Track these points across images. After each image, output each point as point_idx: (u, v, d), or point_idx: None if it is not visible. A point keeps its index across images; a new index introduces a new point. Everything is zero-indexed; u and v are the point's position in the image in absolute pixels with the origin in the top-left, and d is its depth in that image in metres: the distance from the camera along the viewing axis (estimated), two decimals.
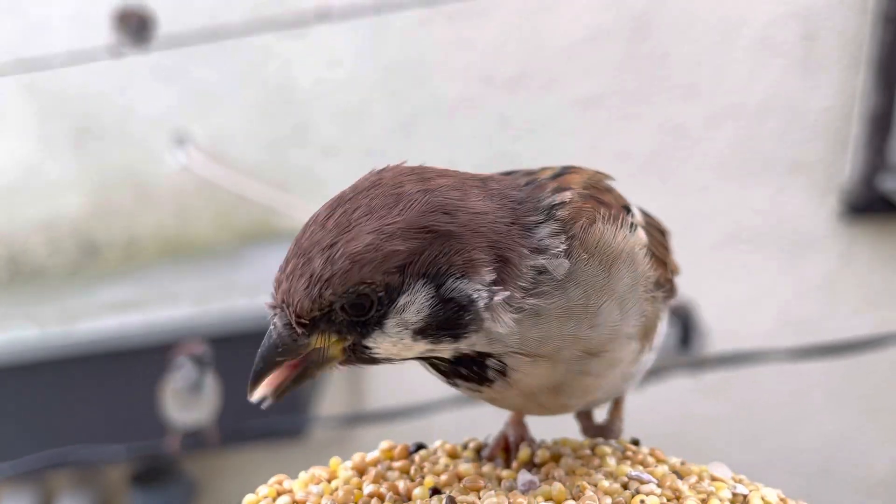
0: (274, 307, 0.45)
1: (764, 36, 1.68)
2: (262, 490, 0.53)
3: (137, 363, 1.52)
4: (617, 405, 0.62)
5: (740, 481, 0.52)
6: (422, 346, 0.45)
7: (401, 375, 1.45)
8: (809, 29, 1.67)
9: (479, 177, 0.49)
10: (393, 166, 0.49)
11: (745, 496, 0.51)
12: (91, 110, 1.76)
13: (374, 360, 0.46)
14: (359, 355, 0.45)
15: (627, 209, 0.54)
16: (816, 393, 1.90)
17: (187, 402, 1.41)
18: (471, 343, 0.45)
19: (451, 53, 1.71)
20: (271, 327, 0.45)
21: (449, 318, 0.44)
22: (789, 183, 1.76)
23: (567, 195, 0.49)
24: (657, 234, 0.56)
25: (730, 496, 0.50)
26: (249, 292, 1.56)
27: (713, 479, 0.53)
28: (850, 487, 1.96)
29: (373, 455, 0.56)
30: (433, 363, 0.48)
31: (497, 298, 0.45)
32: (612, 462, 0.53)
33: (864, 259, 1.81)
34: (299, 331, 0.44)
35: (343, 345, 0.45)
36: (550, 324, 0.46)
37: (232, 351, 1.51)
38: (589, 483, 0.50)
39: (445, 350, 0.46)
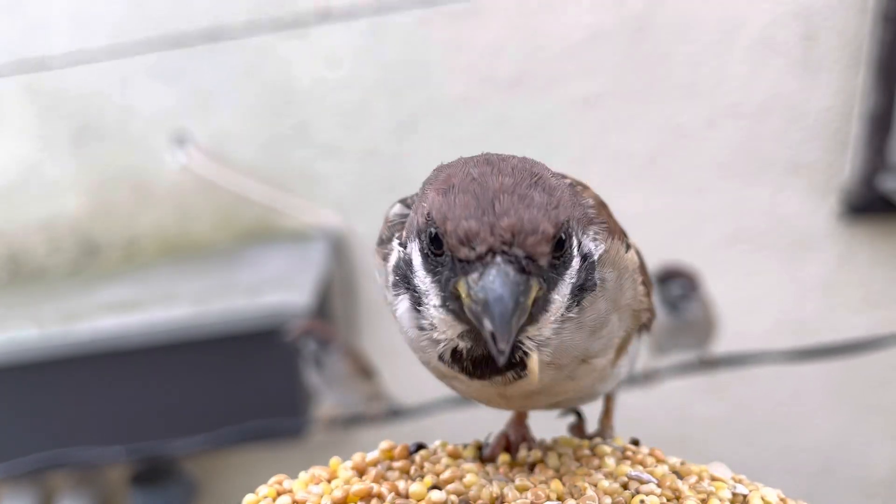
0: (491, 248, 0.40)
1: (764, 36, 1.68)
2: (263, 490, 0.53)
3: (137, 363, 1.52)
4: (607, 413, 0.63)
5: (740, 481, 0.52)
6: (560, 314, 0.43)
7: (400, 376, 1.45)
8: (809, 29, 1.67)
9: None
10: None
11: (744, 496, 0.51)
12: (91, 110, 1.76)
13: (532, 328, 0.43)
14: (538, 312, 0.42)
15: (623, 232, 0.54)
16: (816, 393, 1.90)
17: (324, 379, 1.41)
18: (558, 325, 0.44)
19: (451, 53, 1.71)
20: (498, 273, 0.39)
21: (586, 277, 0.44)
22: (789, 183, 1.76)
23: (590, 192, 0.51)
24: (641, 259, 0.57)
25: (730, 496, 0.50)
26: (249, 292, 1.56)
27: (713, 479, 0.53)
28: (850, 487, 1.96)
29: (373, 455, 0.56)
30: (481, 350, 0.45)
31: (599, 254, 0.46)
32: (611, 462, 0.53)
33: (863, 259, 1.81)
34: (539, 265, 0.40)
35: (538, 296, 0.41)
36: (585, 331, 0.46)
37: (232, 351, 1.51)
38: (589, 483, 0.50)
39: (551, 329, 0.44)
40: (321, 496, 0.51)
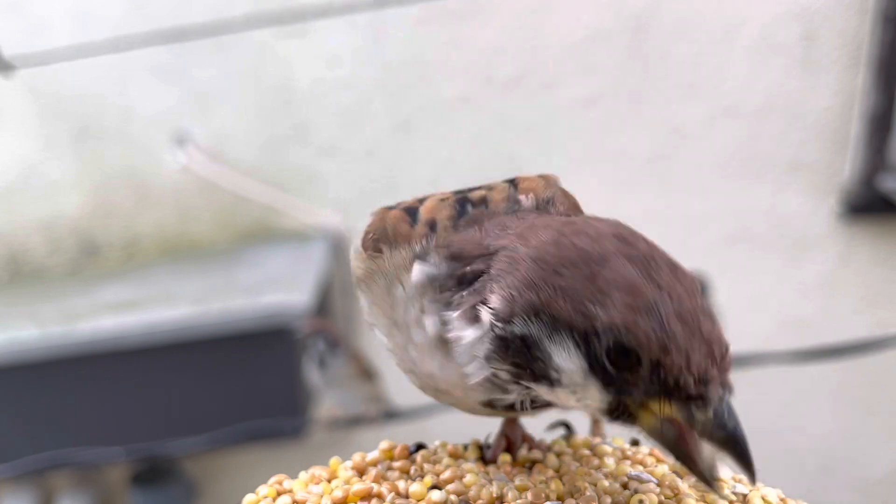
0: (721, 393, 0.41)
1: (764, 36, 1.68)
2: (263, 490, 0.53)
3: (137, 363, 1.52)
4: (598, 423, 0.63)
5: (740, 481, 0.52)
6: None
7: (400, 376, 1.45)
8: (809, 29, 1.67)
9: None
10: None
11: (744, 496, 0.51)
12: (91, 110, 1.76)
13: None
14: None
15: None
16: (816, 393, 1.90)
17: (325, 379, 1.42)
18: None
19: (451, 53, 1.71)
20: (727, 407, 0.41)
21: None
22: (789, 183, 1.76)
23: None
24: None
25: (730, 496, 0.50)
26: (249, 292, 1.56)
27: None
28: (850, 487, 1.96)
29: (373, 455, 0.56)
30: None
31: None
32: (611, 462, 0.53)
33: (863, 259, 1.81)
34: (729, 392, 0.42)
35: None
36: None
37: (232, 351, 1.51)
38: (589, 483, 0.50)
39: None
40: (321, 496, 0.51)
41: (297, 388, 1.50)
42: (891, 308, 1.82)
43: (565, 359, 0.41)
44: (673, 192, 1.77)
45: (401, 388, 1.57)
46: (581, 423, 0.63)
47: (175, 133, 1.76)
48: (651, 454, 0.56)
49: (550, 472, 0.52)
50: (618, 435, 0.62)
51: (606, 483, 0.50)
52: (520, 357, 0.42)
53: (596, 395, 0.41)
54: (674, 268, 0.41)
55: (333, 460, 0.55)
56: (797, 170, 1.75)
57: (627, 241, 0.43)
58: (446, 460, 0.54)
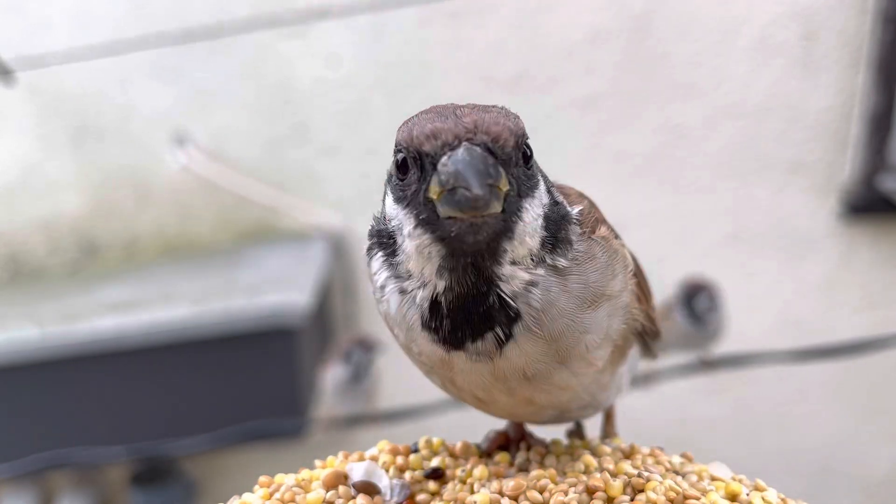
0: (457, 139, 0.41)
1: (764, 36, 1.68)
2: (259, 491, 0.53)
3: (137, 363, 1.52)
4: (609, 419, 0.63)
5: (740, 481, 0.52)
6: (535, 242, 0.44)
7: (400, 377, 1.45)
8: (809, 29, 1.67)
9: None
10: None
11: (745, 496, 0.51)
12: (91, 110, 1.76)
13: (506, 241, 0.43)
14: (509, 215, 0.43)
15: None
16: (816, 393, 1.90)
17: (349, 390, 1.45)
18: (539, 275, 0.45)
19: (451, 53, 1.71)
20: (466, 149, 0.41)
21: (557, 219, 0.46)
22: (789, 183, 1.76)
23: (574, 196, 0.52)
24: (640, 273, 0.56)
25: (728, 495, 0.50)
26: (249, 292, 1.56)
27: (713, 478, 0.53)
28: (850, 487, 1.96)
29: (371, 452, 0.56)
30: (461, 288, 0.45)
31: (575, 226, 0.47)
32: (610, 462, 0.53)
33: (864, 259, 1.81)
34: (506, 151, 0.42)
35: (507, 194, 0.42)
36: (574, 297, 0.47)
37: (232, 351, 1.51)
38: (588, 482, 0.50)
39: (530, 270, 0.44)
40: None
41: (297, 388, 1.50)
42: (891, 308, 1.82)
43: (387, 203, 0.48)
44: (673, 192, 1.77)
45: (400, 389, 1.57)
46: (593, 428, 0.63)
47: (175, 133, 1.76)
48: (651, 454, 0.55)
49: (549, 472, 0.51)
50: (617, 435, 0.62)
51: (612, 482, 0.49)
52: (383, 235, 0.48)
53: (404, 217, 0.45)
54: (478, 107, 0.44)
55: (330, 459, 0.55)
56: (797, 170, 1.75)
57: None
58: (448, 459, 0.54)
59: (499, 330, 0.45)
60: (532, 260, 0.44)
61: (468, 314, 0.45)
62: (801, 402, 1.91)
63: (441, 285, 0.45)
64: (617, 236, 0.53)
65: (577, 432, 0.61)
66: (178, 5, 1.67)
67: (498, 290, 0.44)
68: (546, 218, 0.45)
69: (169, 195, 1.81)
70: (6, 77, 1.40)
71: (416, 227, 0.43)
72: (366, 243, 0.52)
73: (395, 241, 0.46)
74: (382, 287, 0.49)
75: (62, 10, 1.69)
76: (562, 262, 0.45)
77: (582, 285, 0.47)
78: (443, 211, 0.41)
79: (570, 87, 1.72)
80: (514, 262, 0.44)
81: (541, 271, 0.45)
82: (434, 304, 0.45)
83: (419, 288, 0.46)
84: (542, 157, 0.50)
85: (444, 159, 0.41)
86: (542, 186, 0.46)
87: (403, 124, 0.45)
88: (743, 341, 1.61)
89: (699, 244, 1.79)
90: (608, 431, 0.62)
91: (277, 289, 1.55)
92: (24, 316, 1.62)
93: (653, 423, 1.77)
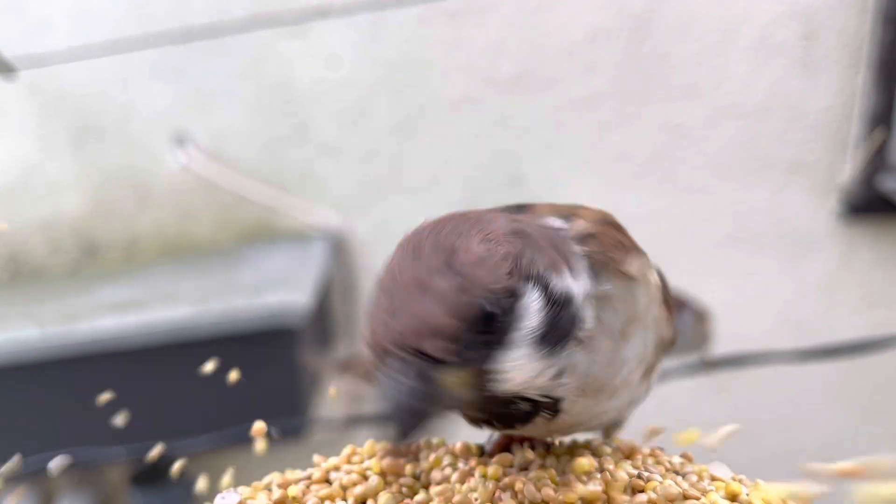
0: (392, 353, 0.40)
1: (764, 36, 1.68)
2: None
3: (137, 363, 1.52)
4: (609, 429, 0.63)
5: (740, 481, 0.52)
6: (538, 365, 0.43)
7: None
8: (809, 29, 1.66)
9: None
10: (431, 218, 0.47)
11: (745, 496, 0.51)
12: (91, 110, 1.76)
13: (492, 393, 0.42)
14: (481, 387, 0.42)
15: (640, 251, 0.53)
16: (816, 393, 1.90)
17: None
18: (562, 362, 0.44)
19: (451, 53, 1.71)
20: (400, 377, 0.39)
21: (557, 320, 0.43)
22: (789, 183, 1.76)
23: (582, 223, 0.50)
24: (665, 283, 0.56)
25: (728, 495, 0.50)
26: (249, 292, 1.56)
27: (713, 478, 0.53)
28: (849, 487, 1.96)
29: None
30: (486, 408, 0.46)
31: (584, 288, 0.45)
32: (610, 462, 0.53)
33: (864, 259, 1.81)
34: (443, 361, 0.39)
35: (468, 378, 0.41)
36: (603, 348, 0.46)
37: (232, 351, 1.51)
38: (588, 482, 0.50)
39: (551, 370, 0.43)
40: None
41: (297, 388, 1.50)
42: (891, 308, 1.82)
43: None
44: (673, 192, 1.77)
45: None
46: None
47: (175, 133, 1.76)
48: (651, 454, 0.55)
49: (549, 472, 0.52)
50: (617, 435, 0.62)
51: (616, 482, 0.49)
52: None
53: None
54: (438, 249, 0.42)
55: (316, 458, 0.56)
56: (797, 170, 1.75)
57: (422, 239, 0.44)
58: (449, 459, 0.54)
59: (546, 412, 0.46)
60: (549, 364, 0.43)
61: (508, 416, 0.46)
62: (801, 402, 1.91)
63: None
64: (639, 254, 0.51)
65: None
66: (178, 6, 1.67)
67: (522, 398, 0.44)
68: (542, 339, 0.42)
69: (169, 195, 1.81)
70: (8, 74, 1.39)
71: None
72: None
73: None
74: None
75: (62, 10, 1.69)
76: (582, 334, 0.44)
77: (608, 331, 0.46)
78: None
79: (570, 87, 1.72)
80: (521, 386, 0.43)
81: (563, 357, 0.44)
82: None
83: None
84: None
85: (386, 382, 0.41)
86: (525, 314, 0.42)
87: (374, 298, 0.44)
88: (742, 341, 1.61)
89: (699, 244, 1.79)
90: (608, 436, 0.62)
91: (277, 289, 1.55)
92: (24, 316, 1.62)
93: (653, 423, 1.76)
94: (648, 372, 0.52)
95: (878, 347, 1.52)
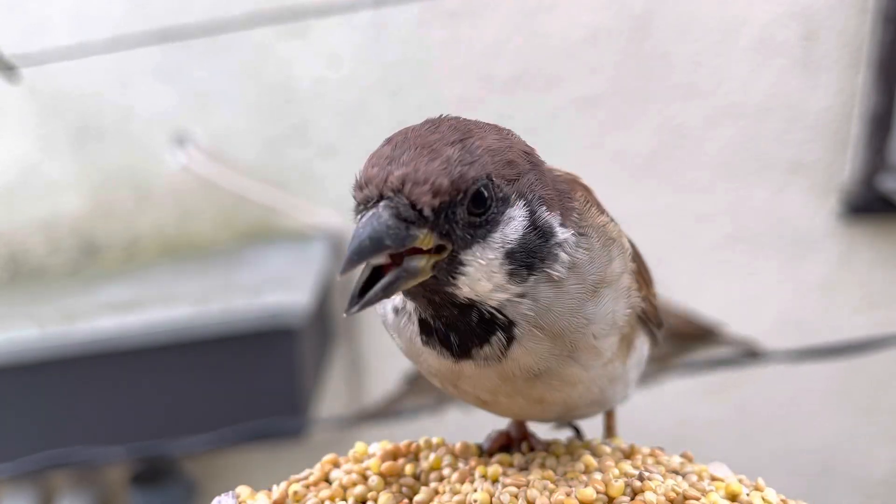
0: (379, 193, 0.41)
1: (764, 36, 1.68)
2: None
3: (137, 363, 1.52)
4: (609, 430, 0.63)
5: (740, 481, 0.52)
6: (499, 278, 0.43)
7: (397, 377, 1.45)
8: (809, 29, 1.67)
9: None
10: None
11: (745, 496, 0.51)
12: (91, 110, 1.76)
13: (449, 286, 0.43)
14: (445, 275, 0.42)
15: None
16: (817, 393, 1.90)
17: None
18: (525, 292, 0.45)
19: (451, 53, 1.71)
20: (378, 211, 0.41)
21: (533, 247, 0.44)
22: (789, 183, 1.76)
23: (573, 187, 0.52)
24: (638, 257, 0.57)
25: (728, 495, 0.50)
26: (249, 292, 1.56)
27: (713, 479, 0.53)
28: (850, 487, 1.96)
29: (373, 448, 0.56)
30: (443, 313, 0.46)
31: (568, 235, 0.46)
32: (611, 462, 0.53)
33: (864, 259, 1.81)
34: (424, 215, 0.41)
35: (438, 258, 0.42)
36: (572, 294, 0.47)
37: (232, 351, 1.51)
38: (588, 482, 0.50)
39: (507, 291, 0.44)
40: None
41: (296, 388, 1.50)
42: (891, 308, 1.82)
43: None
44: (673, 192, 1.77)
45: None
46: (592, 429, 0.63)
47: (175, 133, 1.76)
48: (651, 454, 0.55)
49: (548, 472, 0.51)
50: (617, 435, 0.62)
51: (614, 483, 0.49)
52: None
53: None
54: (454, 129, 0.44)
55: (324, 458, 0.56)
56: (797, 170, 1.75)
57: (444, 120, 0.47)
58: (449, 459, 0.54)
59: (499, 335, 0.45)
60: (509, 283, 0.44)
61: (463, 328, 0.45)
62: (801, 402, 1.91)
63: (420, 312, 0.46)
64: (613, 221, 0.53)
65: (577, 437, 0.61)
66: (178, 5, 1.67)
67: (479, 308, 0.45)
68: (511, 254, 0.44)
69: (169, 195, 1.81)
70: (9, 73, 1.39)
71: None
72: None
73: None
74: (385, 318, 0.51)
75: (62, 10, 1.69)
76: (553, 272, 0.45)
77: (579, 281, 0.47)
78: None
79: (570, 87, 1.72)
80: (478, 296, 0.44)
81: (529, 283, 0.45)
82: (424, 322, 0.46)
83: (408, 309, 0.47)
84: (543, 158, 0.50)
85: (359, 218, 0.41)
86: (509, 222, 0.44)
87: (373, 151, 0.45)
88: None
89: (699, 244, 1.79)
90: (609, 434, 0.62)
91: (277, 289, 1.55)
92: (24, 316, 1.62)
93: (653, 423, 1.77)
94: (625, 347, 0.52)
95: (878, 347, 1.52)
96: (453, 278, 0.43)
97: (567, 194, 0.49)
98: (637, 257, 0.55)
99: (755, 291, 1.82)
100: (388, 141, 0.45)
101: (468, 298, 0.44)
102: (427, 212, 0.41)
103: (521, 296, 0.45)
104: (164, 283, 1.71)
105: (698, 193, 1.77)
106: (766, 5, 1.67)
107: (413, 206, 0.41)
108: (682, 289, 1.79)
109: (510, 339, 0.45)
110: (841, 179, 1.75)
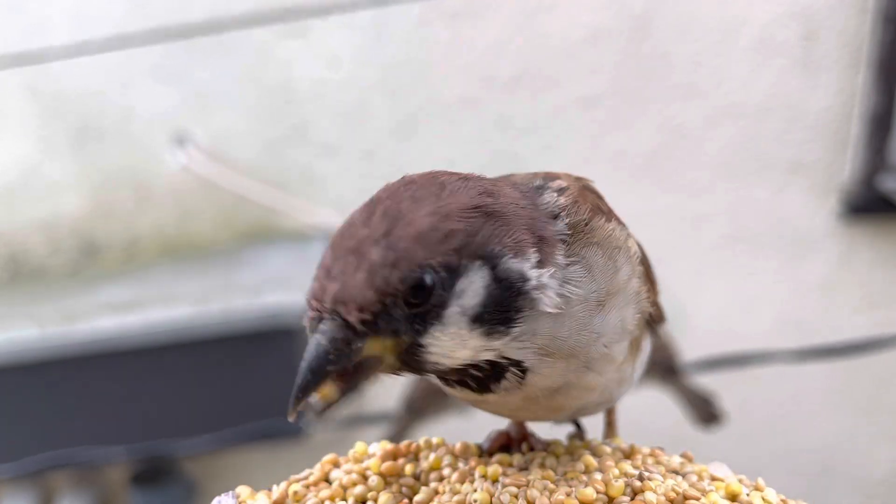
0: (319, 313, 0.42)
1: (764, 36, 1.68)
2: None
3: (137, 363, 1.52)
4: (610, 426, 0.63)
5: (740, 481, 0.52)
6: (475, 342, 0.43)
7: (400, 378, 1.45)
8: (809, 29, 1.66)
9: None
10: (413, 174, 0.48)
11: (745, 496, 0.51)
12: (91, 110, 1.76)
13: (425, 366, 0.43)
14: (411, 359, 0.43)
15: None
16: (817, 394, 1.90)
17: None
18: (517, 336, 0.44)
19: (451, 53, 1.71)
20: (317, 336, 0.41)
21: (504, 301, 0.43)
22: (789, 183, 1.76)
23: (561, 182, 0.50)
24: (646, 260, 0.56)
25: (728, 495, 0.50)
26: (249, 292, 1.56)
27: (713, 478, 0.53)
28: (850, 487, 1.96)
29: (373, 448, 0.56)
30: (445, 376, 0.46)
31: (546, 277, 0.44)
32: (611, 462, 0.53)
33: (864, 259, 1.81)
34: (359, 330, 0.41)
35: (397, 349, 0.42)
36: (576, 316, 0.46)
37: (232, 351, 1.51)
38: (588, 482, 0.50)
39: (492, 349, 0.44)
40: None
41: None
42: (891, 308, 1.82)
43: None
44: (673, 192, 1.77)
45: (401, 388, 1.57)
46: (593, 429, 0.63)
47: (175, 133, 1.76)
48: (651, 454, 0.55)
49: (548, 472, 0.52)
50: (617, 435, 0.62)
51: (614, 483, 0.49)
52: None
53: None
54: (389, 212, 0.43)
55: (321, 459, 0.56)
56: (797, 170, 1.75)
57: (384, 196, 0.46)
58: (449, 459, 0.54)
59: (512, 370, 0.45)
60: (491, 341, 0.44)
61: (472, 378, 0.46)
62: (801, 403, 1.91)
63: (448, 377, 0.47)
64: (618, 222, 0.52)
65: (578, 435, 0.61)
66: (178, 5, 1.67)
67: (475, 364, 0.45)
68: (478, 318, 0.43)
69: (169, 195, 1.81)
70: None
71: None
72: None
73: None
74: None
75: (62, 10, 1.69)
76: (544, 306, 0.44)
77: (580, 302, 0.46)
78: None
79: (570, 87, 1.72)
80: (465, 360, 0.44)
81: (518, 327, 0.44)
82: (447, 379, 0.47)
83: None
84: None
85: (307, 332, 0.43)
86: (463, 293, 0.42)
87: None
88: (743, 341, 1.61)
89: (699, 244, 1.79)
90: (610, 434, 0.62)
91: (277, 289, 1.55)
92: (24, 316, 1.62)
93: (653, 423, 1.77)
94: (634, 349, 0.52)
95: (878, 347, 1.53)
96: (426, 358, 0.43)
97: (548, 225, 0.47)
98: (645, 259, 0.55)
99: (755, 291, 1.82)
100: (331, 244, 0.44)
101: (457, 365, 0.44)
102: (360, 328, 0.41)
103: (517, 338, 0.44)
104: (164, 283, 1.71)
105: (698, 193, 1.77)
106: (766, 5, 1.67)
107: (347, 324, 0.41)
108: (683, 289, 1.79)
109: (523, 370, 0.45)
110: (841, 179, 1.75)
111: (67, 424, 1.55)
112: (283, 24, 1.66)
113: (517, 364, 0.45)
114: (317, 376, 0.41)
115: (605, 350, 0.48)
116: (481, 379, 0.45)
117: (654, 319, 0.56)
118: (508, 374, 0.45)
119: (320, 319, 0.42)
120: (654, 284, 0.56)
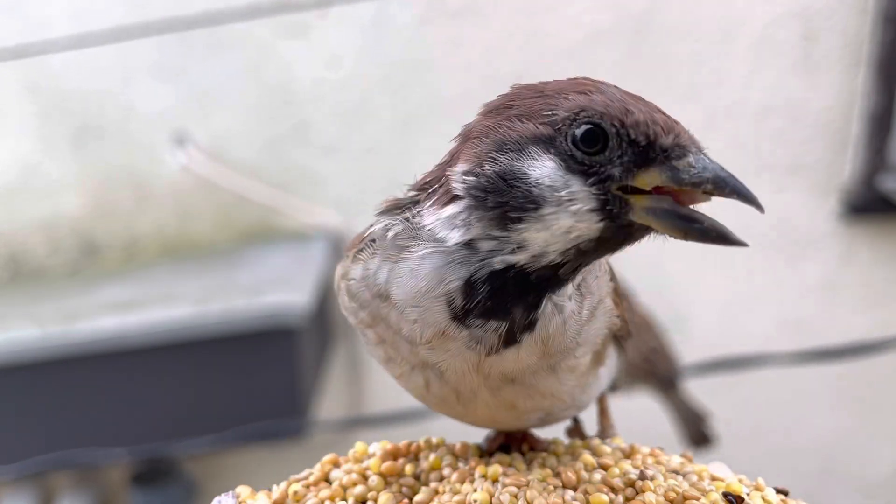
0: (694, 143, 0.45)
1: (764, 36, 1.68)
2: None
3: (137, 363, 1.52)
4: (603, 412, 0.63)
5: (740, 481, 0.52)
6: (588, 221, 0.44)
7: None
8: (809, 29, 1.67)
9: None
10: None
11: (745, 496, 0.51)
12: (91, 109, 1.76)
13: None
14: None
15: None
16: (816, 393, 1.90)
17: None
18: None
19: (451, 53, 1.71)
20: (706, 158, 0.45)
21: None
22: (789, 183, 1.76)
23: None
24: (613, 274, 0.56)
25: (728, 495, 0.50)
26: (249, 292, 1.56)
27: (713, 478, 0.53)
28: (850, 487, 1.96)
29: (373, 448, 0.56)
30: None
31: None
32: (611, 462, 0.53)
33: (864, 259, 1.81)
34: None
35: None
36: (578, 318, 0.48)
37: (232, 351, 1.51)
38: (588, 482, 0.50)
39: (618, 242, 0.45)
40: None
41: (297, 388, 1.50)
42: (891, 308, 1.82)
43: (540, 167, 0.42)
44: None
45: (401, 391, 1.57)
46: (592, 429, 0.63)
47: (175, 133, 1.76)
48: (651, 454, 0.55)
49: (548, 472, 0.52)
50: (617, 435, 0.62)
51: (615, 481, 0.49)
52: (498, 194, 0.42)
53: (582, 195, 0.41)
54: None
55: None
56: (797, 170, 1.75)
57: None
58: (449, 459, 0.54)
59: (515, 322, 0.44)
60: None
61: (503, 298, 0.44)
62: (801, 403, 1.91)
63: (533, 262, 0.43)
64: None
65: (577, 431, 0.61)
66: (178, 5, 1.67)
67: (545, 295, 0.44)
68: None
69: (169, 195, 1.81)
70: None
71: (592, 210, 0.42)
72: (381, 202, 0.51)
73: (515, 203, 0.42)
74: (401, 246, 0.46)
75: (62, 10, 1.69)
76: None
77: (586, 309, 0.48)
78: (648, 214, 0.43)
79: None
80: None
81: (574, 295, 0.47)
82: (494, 274, 0.43)
83: (500, 253, 0.43)
84: None
85: (689, 159, 0.43)
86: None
87: (593, 94, 0.44)
88: (742, 341, 1.61)
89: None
90: (604, 425, 0.62)
91: (277, 289, 1.55)
92: (24, 316, 1.62)
93: (653, 423, 1.77)
94: (595, 361, 0.52)
95: (877, 348, 1.52)
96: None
97: None
98: (612, 273, 0.55)
99: (755, 291, 1.82)
100: (609, 96, 0.45)
101: (566, 280, 0.46)
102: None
103: (561, 309, 0.46)
104: (164, 283, 1.71)
105: None
106: (766, 5, 1.67)
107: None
108: (682, 290, 1.79)
109: (512, 339, 0.45)
110: (841, 179, 1.75)
111: (68, 424, 1.55)
112: (284, 23, 1.66)
113: (528, 325, 0.44)
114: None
115: (574, 359, 0.48)
116: (504, 306, 0.43)
117: (621, 334, 0.56)
118: (509, 322, 0.44)
119: (697, 151, 0.44)
120: (621, 298, 0.56)
